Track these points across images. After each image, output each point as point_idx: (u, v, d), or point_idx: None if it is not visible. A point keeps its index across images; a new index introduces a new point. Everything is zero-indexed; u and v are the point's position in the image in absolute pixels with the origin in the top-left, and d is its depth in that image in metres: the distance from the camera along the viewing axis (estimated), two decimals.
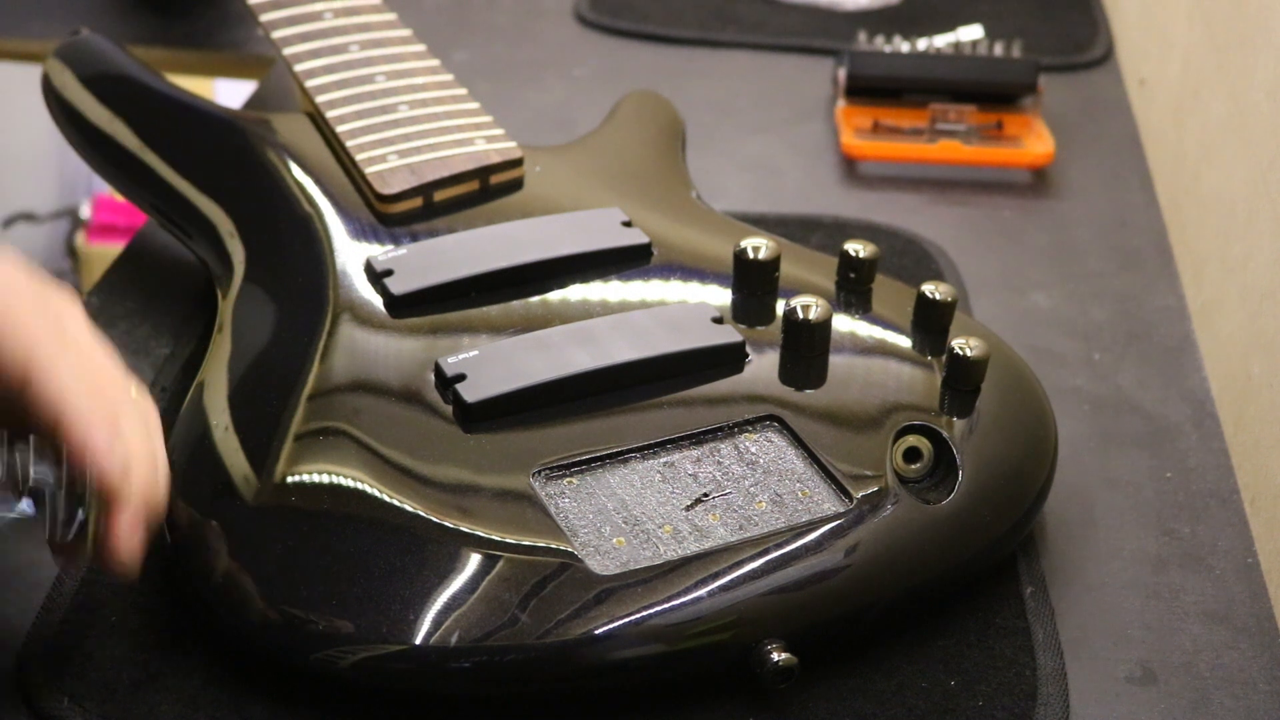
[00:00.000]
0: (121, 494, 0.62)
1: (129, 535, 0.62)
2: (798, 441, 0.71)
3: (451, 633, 0.63)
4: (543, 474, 0.69)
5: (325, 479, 0.68)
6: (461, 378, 0.71)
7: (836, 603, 0.67)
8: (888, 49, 1.12)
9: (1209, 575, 0.74)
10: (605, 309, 0.77)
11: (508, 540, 0.65)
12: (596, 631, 0.63)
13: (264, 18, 0.91)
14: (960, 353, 0.74)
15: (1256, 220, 0.90)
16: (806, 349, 0.75)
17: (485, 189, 0.85)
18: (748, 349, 0.75)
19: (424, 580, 0.64)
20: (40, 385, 0.61)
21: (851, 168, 1.07)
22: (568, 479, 0.69)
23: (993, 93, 1.09)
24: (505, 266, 0.78)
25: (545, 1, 1.26)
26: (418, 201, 0.83)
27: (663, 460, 0.70)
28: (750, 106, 1.13)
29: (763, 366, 0.75)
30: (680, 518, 0.67)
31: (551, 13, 1.25)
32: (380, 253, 0.79)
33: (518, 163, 0.86)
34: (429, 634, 0.62)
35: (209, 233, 0.83)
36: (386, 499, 0.67)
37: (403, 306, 0.77)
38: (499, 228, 0.82)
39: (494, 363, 0.72)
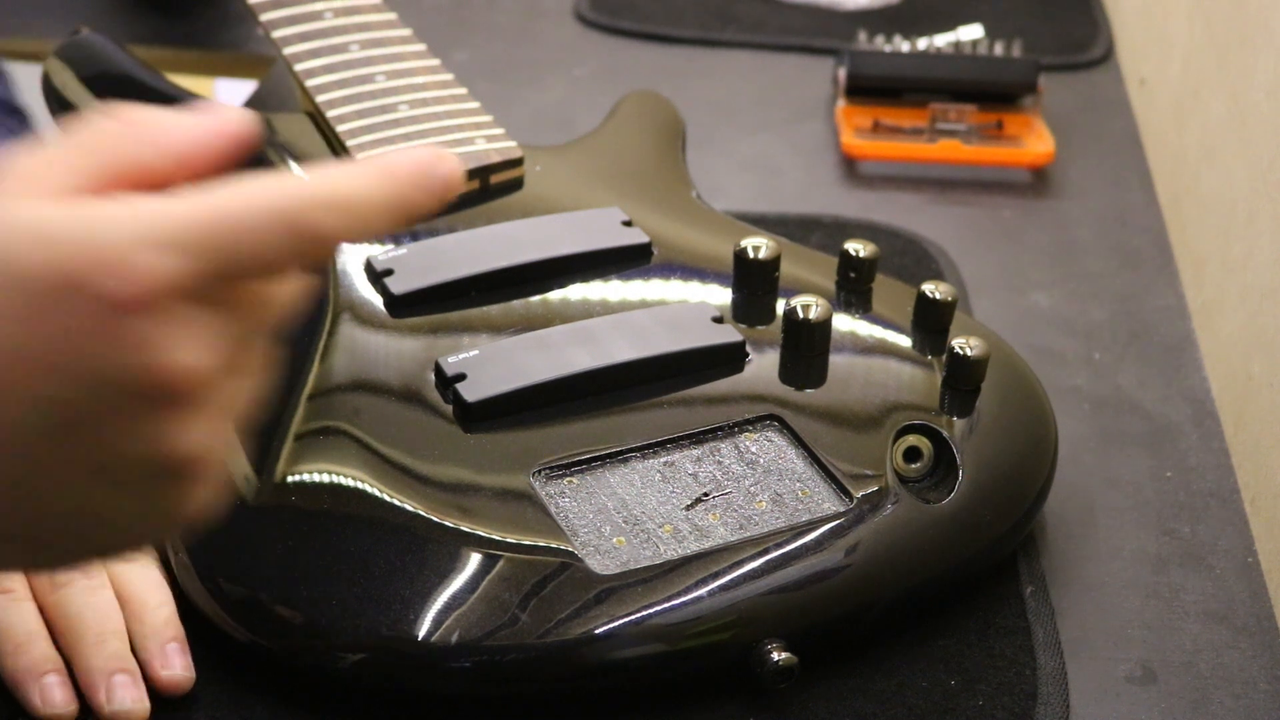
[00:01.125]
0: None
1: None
2: (798, 441, 0.71)
3: (451, 633, 0.63)
4: (543, 473, 0.69)
5: (325, 479, 0.68)
6: (462, 377, 0.71)
7: (836, 602, 0.67)
8: (888, 49, 1.12)
9: (1209, 575, 0.74)
10: (605, 308, 0.77)
11: (508, 540, 0.65)
12: (596, 631, 0.63)
13: (264, 17, 0.91)
14: (960, 352, 0.74)
15: (1256, 220, 0.90)
16: (807, 348, 0.75)
17: (485, 188, 0.85)
18: (748, 348, 0.75)
19: (424, 580, 0.64)
20: None
21: (851, 167, 1.07)
22: (568, 478, 0.69)
23: (993, 92, 1.09)
24: (505, 266, 0.78)
25: (545, 1, 1.26)
26: None
27: (663, 460, 0.70)
28: (750, 106, 1.13)
29: (763, 366, 0.75)
30: (680, 517, 0.67)
31: (551, 13, 1.25)
32: (380, 252, 0.79)
33: (518, 162, 0.86)
34: (429, 634, 0.62)
35: None
36: (387, 499, 0.67)
37: (403, 306, 0.77)
38: (499, 227, 0.82)
39: (494, 362, 0.72)
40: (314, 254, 0.45)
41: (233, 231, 0.43)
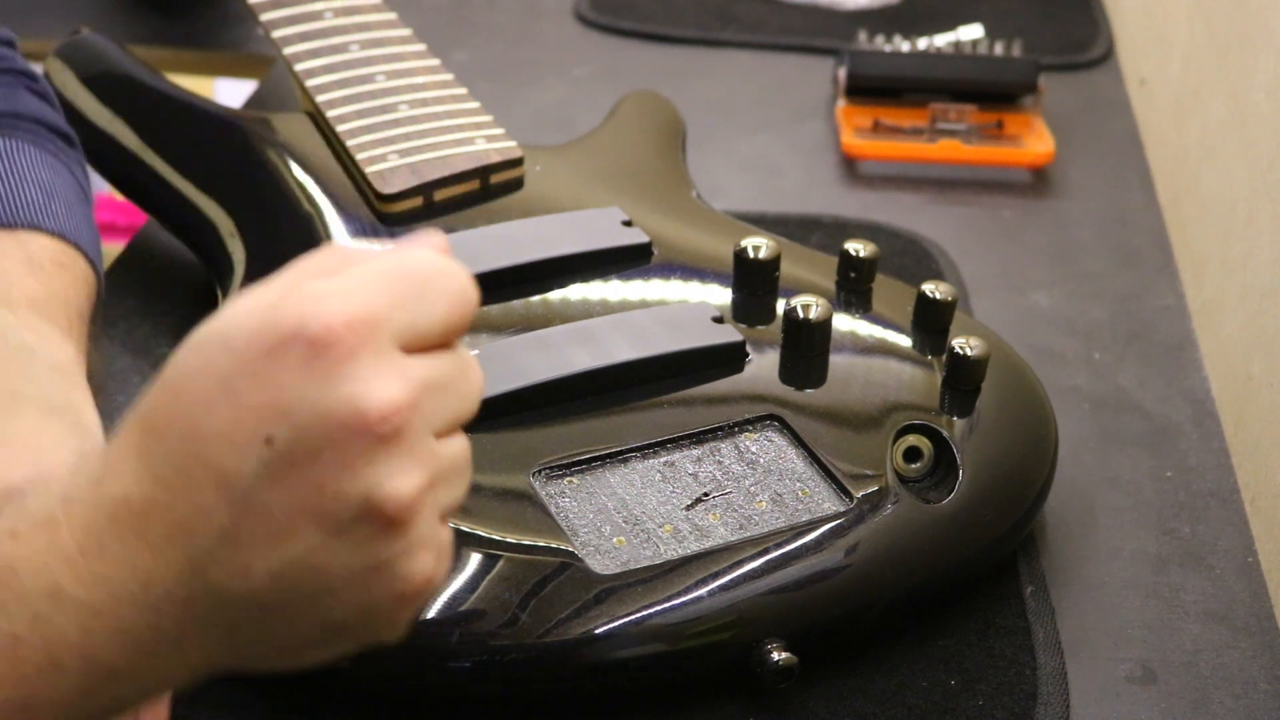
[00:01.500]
0: None
1: None
2: (798, 441, 0.71)
3: (451, 632, 0.62)
4: (543, 473, 0.69)
5: None
6: None
7: (837, 602, 0.67)
8: (888, 48, 1.12)
9: (1209, 575, 0.74)
10: (605, 308, 0.77)
11: (508, 540, 0.65)
12: (597, 631, 0.63)
13: (264, 17, 0.91)
14: (960, 352, 0.74)
15: (1256, 219, 0.90)
16: (807, 348, 0.75)
17: (485, 188, 0.85)
18: (748, 348, 0.75)
19: None
20: None
21: (852, 167, 1.07)
22: (568, 478, 0.69)
23: (993, 92, 1.09)
24: (505, 266, 0.78)
25: (545, 1, 1.26)
26: (418, 201, 0.83)
27: (663, 460, 0.70)
28: (750, 106, 1.13)
29: (763, 366, 0.75)
30: (680, 517, 0.67)
31: (552, 12, 1.25)
32: None
33: (518, 162, 0.86)
34: (429, 633, 0.62)
35: (209, 232, 0.83)
36: None
37: None
38: (499, 227, 0.82)
39: (494, 362, 0.72)
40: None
41: (414, 270, 0.49)
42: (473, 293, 0.51)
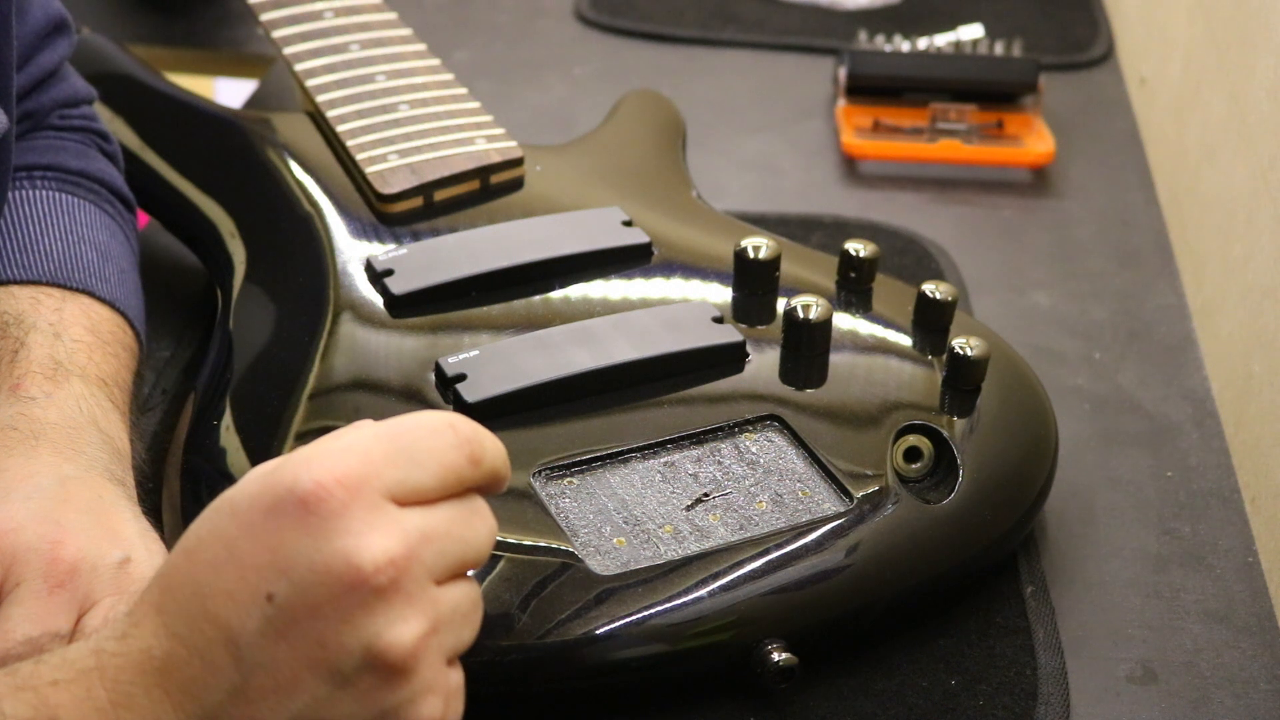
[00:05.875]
0: None
1: None
2: (798, 441, 0.71)
3: None
4: (543, 474, 0.69)
5: None
6: (462, 378, 0.71)
7: (837, 602, 0.67)
8: (888, 48, 1.12)
9: (1209, 574, 0.74)
10: (606, 308, 0.77)
11: (508, 540, 0.65)
12: (597, 631, 0.63)
13: (264, 17, 0.91)
14: (961, 352, 0.74)
15: (1257, 219, 0.90)
16: (807, 348, 0.75)
17: (486, 188, 0.85)
18: (748, 348, 0.75)
19: None
20: None
21: (852, 167, 1.07)
22: (568, 479, 0.69)
23: (993, 92, 1.09)
24: (506, 266, 0.78)
25: (545, 1, 1.26)
26: (418, 201, 0.83)
27: (663, 460, 0.70)
28: (750, 106, 1.13)
29: (763, 366, 0.75)
30: (681, 518, 0.67)
31: (552, 12, 1.25)
32: (381, 252, 0.79)
33: (518, 162, 0.86)
34: None
35: (210, 233, 0.83)
36: None
37: (403, 306, 0.77)
38: (499, 227, 0.82)
39: (494, 362, 0.72)
40: (478, 465, 0.53)
41: (405, 430, 0.52)
42: (480, 445, 0.53)
